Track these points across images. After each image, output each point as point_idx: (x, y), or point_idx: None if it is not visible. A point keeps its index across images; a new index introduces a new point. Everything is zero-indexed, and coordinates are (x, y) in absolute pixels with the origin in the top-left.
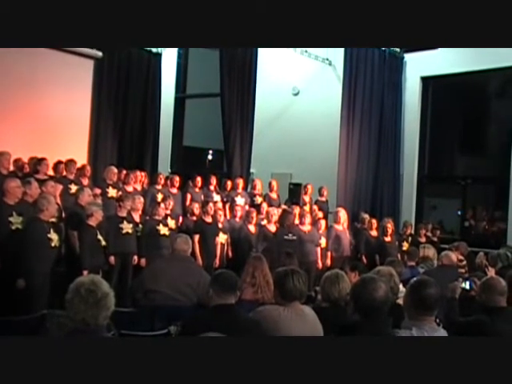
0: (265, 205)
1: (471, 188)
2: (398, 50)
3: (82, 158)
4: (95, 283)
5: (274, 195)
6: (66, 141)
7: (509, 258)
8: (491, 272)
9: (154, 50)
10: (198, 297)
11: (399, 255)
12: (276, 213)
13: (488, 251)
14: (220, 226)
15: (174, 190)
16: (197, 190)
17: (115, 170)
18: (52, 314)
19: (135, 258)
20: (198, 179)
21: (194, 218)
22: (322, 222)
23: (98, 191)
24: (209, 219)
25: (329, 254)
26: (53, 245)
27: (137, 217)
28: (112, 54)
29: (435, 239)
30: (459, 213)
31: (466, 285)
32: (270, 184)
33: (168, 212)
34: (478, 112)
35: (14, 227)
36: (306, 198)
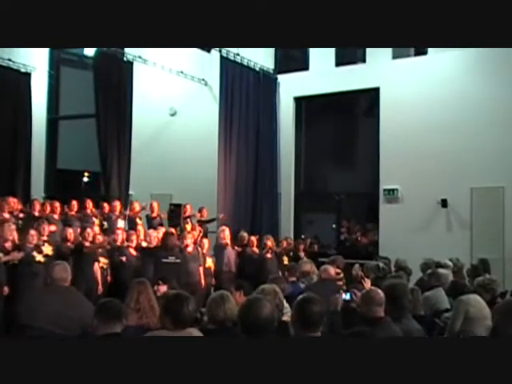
0: (140, 227)
1: (344, 203)
2: (271, 70)
3: None
4: None
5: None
6: None
7: (380, 269)
8: (367, 283)
9: (22, 69)
10: (81, 328)
11: (279, 271)
12: (156, 235)
13: (363, 262)
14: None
15: (56, 216)
16: (73, 214)
17: None
18: None
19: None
20: (74, 203)
21: (69, 244)
22: (205, 241)
23: None
24: (87, 244)
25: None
26: None
27: (8, 245)
28: None
29: (313, 253)
30: (334, 226)
31: (347, 296)
32: (150, 205)
33: (45, 238)
34: (348, 130)
35: None
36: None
